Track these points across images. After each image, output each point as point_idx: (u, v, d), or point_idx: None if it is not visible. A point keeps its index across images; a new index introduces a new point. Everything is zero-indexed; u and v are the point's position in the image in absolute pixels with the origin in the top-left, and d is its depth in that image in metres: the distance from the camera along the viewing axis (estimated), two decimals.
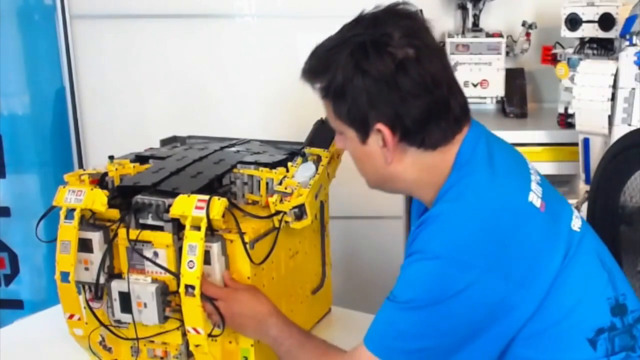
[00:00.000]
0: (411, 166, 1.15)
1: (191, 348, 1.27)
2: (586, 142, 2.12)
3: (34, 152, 2.60)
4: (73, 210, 1.28)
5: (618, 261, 1.34)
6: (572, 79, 2.16)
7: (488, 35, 2.54)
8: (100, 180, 1.39)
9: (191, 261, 1.21)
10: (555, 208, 1.17)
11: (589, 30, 2.19)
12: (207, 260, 1.24)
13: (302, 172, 1.37)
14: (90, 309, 1.33)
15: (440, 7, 2.65)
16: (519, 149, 1.26)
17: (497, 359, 1.11)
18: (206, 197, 1.23)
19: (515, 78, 2.58)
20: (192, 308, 1.22)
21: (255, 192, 1.41)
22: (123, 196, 1.32)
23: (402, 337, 1.10)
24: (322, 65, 1.14)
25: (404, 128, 1.11)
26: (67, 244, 1.27)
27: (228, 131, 1.75)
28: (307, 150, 1.42)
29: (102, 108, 2.47)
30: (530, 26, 2.53)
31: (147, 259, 1.27)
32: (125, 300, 1.29)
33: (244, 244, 1.25)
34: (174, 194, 1.26)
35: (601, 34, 2.17)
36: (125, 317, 1.30)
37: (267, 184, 1.39)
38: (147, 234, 1.27)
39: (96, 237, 1.29)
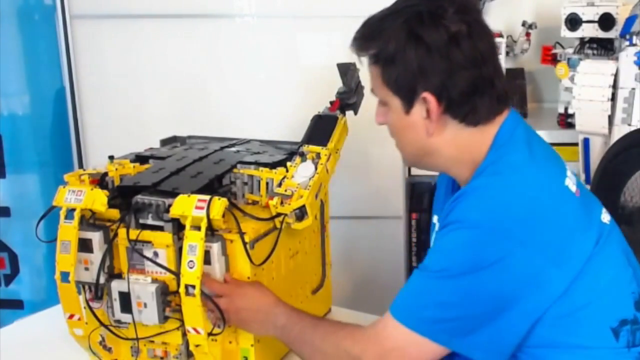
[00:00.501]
0: (450, 141, 1.17)
1: (191, 348, 1.27)
2: (586, 142, 2.12)
3: (34, 152, 2.59)
4: (73, 210, 1.28)
5: None
6: (572, 79, 2.16)
7: None
8: (100, 180, 1.39)
9: (191, 261, 1.21)
10: (588, 199, 1.20)
11: (589, 30, 2.19)
12: (207, 260, 1.24)
13: (302, 172, 1.37)
14: (90, 309, 1.33)
15: None
16: None
17: (526, 341, 1.11)
18: (206, 197, 1.23)
19: (515, 78, 2.58)
20: (192, 308, 1.22)
21: (255, 192, 1.41)
22: (123, 196, 1.32)
23: (432, 306, 1.10)
24: (375, 32, 1.17)
25: (449, 99, 1.13)
26: (67, 244, 1.27)
27: (228, 131, 1.75)
28: (305, 148, 1.41)
29: (102, 108, 2.47)
30: (530, 26, 2.53)
31: (148, 258, 1.27)
32: (125, 300, 1.29)
33: (244, 244, 1.25)
34: (174, 194, 1.26)
35: (601, 34, 2.17)
36: (125, 317, 1.30)
37: (267, 184, 1.39)
38: (147, 234, 1.27)
39: (96, 237, 1.29)
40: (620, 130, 1.97)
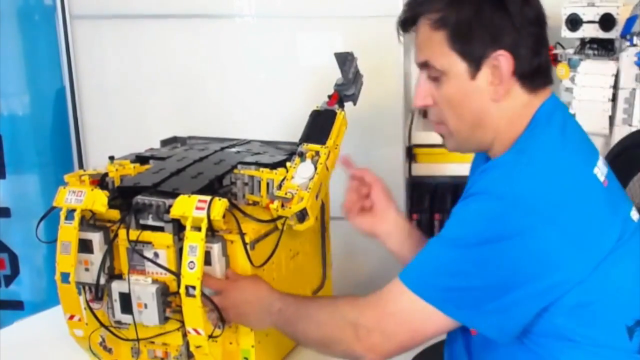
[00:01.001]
0: (508, 109, 1.16)
1: (192, 349, 1.27)
2: None
3: (34, 152, 2.59)
4: (73, 210, 1.28)
5: None
6: (572, 79, 2.16)
7: None
8: (100, 181, 1.39)
9: (192, 262, 1.21)
10: (616, 192, 1.18)
11: (590, 31, 2.18)
12: (207, 260, 1.24)
13: (301, 173, 1.36)
14: (91, 309, 1.33)
15: None
16: None
17: (537, 328, 1.10)
18: (207, 197, 1.23)
19: None
20: (193, 309, 1.22)
21: (255, 193, 1.41)
22: (123, 197, 1.32)
23: (443, 274, 1.08)
24: None
25: (520, 57, 1.13)
26: (67, 244, 1.27)
27: (228, 132, 1.75)
28: (304, 146, 1.40)
29: (102, 108, 2.47)
30: None
31: (148, 259, 1.27)
32: (126, 301, 1.29)
33: (245, 245, 1.25)
34: (174, 195, 1.26)
35: (602, 35, 2.17)
36: (126, 318, 1.30)
37: (267, 184, 1.39)
38: (147, 235, 1.27)
39: (96, 237, 1.29)
40: (621, 131, 1.97)
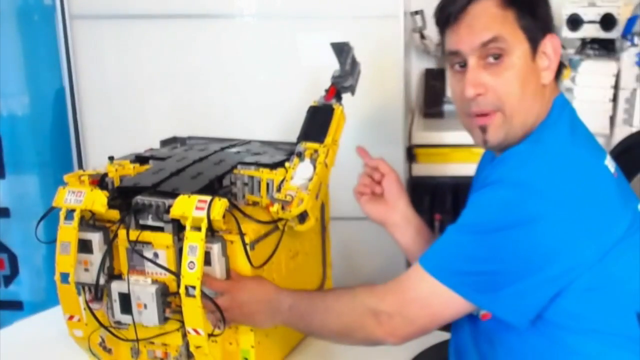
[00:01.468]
0: (546, 94, 1.20)
1: (191, 349, 1.27)
2: None
3: (33, 152, 2.59)
4: (73, 211, 1.28)
5: None
6: (573, 79, 2.16)
7: None
8: (100, 181, 1.38)
9: (192, 262, 1.20)
10: (625, 184, 1.21)
11: (591, 31, 2.19)
12: (207, 261, 1.24)
13: (300, 174, 1.35)
14: (90, 310, 1.33)
15: None
16: None
17: (548, 313, 1.12)
18: (207, 197, 1.22)
19: None
20: (193, 309, 1.22)
21: (255, 193, 1.40)
22: (123, 197, 1.31)
23: (462, 259, 1.12)
24: None
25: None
26: (66, 244, 1.27)
27: (228, 132, 1.74)
28: (302, 145, 1.39)
29: (102, 108, 2.46)
30: None
31: (148, 259, 1.27)
32: (125, 301, 1.28)
33: (244, 245, 1.25)
34: (174, 195, 1.25)
35: (602, 35, 2.17)
36: (125, 318, 1.30)
37: (267, 184, 1.39)
38: (147, 235, 1.26)
39: (96, 238, 1.29)
40: (621, 131, 1.97)
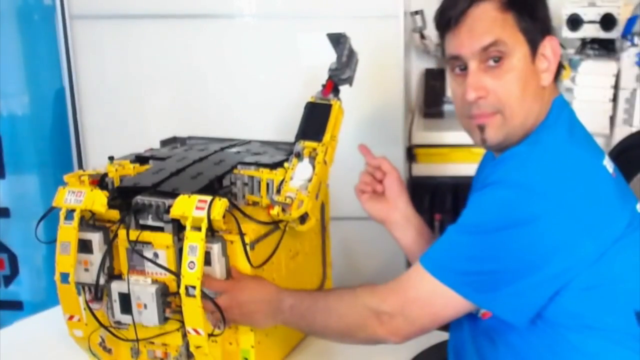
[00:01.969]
0: (545, 95, 1.21)
1: (191, 349, 1.27)
2: None
3: (33, 152, 2.59)
4: (73, 211, 1.27)
5: None
6: (573, 79, 2.15)
7: None
8: (100, 181, 1.38)
9: (192, 262, 1.20)
10: (623, 185, 1.22)
11: (591, 31, 2.19)
12: (207, 261, 1.24)
13: (300, 174, 1.35)
14: (90, 310, 1.33)
15: None
16: None
17: (548, 311, 1.12)
18: (207, 197, 1.22)
19: None
20: (193, 309, 1.22)
21: (255, 193, 1.40)
22: (123, 197, 1.31)
23: (462, 259, 1.13)
24: None
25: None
26: (66, 244, 1.27)
27: (228, 132, 1.74)
28: (300, 144, 1.38)
29: (102, 108, 2.46)
30: None
31: (148, 259, 1.27)
32: (125, 302, 1.28)
33: (244, 245, 1.25)
34: (174, 195, 1.25)
35: (602, 35, 2.17)
36: (125, 318, 1.30)
37: (267, 184, 1.39)
38: (147, 235, 1.26)
39: (96, 238, 1.29)
40: (621, 131, 1.97)
